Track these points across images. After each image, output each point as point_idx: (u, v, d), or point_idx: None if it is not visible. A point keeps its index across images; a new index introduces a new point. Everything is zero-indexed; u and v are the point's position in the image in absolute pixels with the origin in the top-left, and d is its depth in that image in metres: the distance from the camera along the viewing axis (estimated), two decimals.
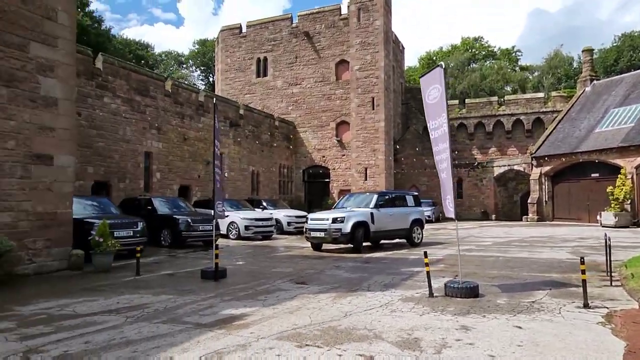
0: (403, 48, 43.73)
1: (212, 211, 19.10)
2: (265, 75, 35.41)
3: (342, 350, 4.65)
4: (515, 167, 33.98)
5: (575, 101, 32.88)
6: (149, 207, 15.70)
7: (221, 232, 18.65)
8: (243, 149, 27.77)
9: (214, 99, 15.88)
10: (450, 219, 31.03)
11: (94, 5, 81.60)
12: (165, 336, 5.24)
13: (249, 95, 35.45)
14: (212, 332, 5.36)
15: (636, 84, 29.23)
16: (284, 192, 32.64)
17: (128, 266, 10.85)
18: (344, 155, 32.86)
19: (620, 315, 5.91)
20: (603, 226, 23.10)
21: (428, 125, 8.32)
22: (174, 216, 15.24)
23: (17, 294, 7.74)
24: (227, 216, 16.75)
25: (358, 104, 31.62)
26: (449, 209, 7.77)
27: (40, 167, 9.81)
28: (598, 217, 24.88)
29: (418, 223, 15.51)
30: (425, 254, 7.73)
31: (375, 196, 14.56)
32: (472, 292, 7.13)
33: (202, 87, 48.39)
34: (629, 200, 24.22)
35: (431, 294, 7.21)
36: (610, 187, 24.46)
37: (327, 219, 13.37)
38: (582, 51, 35.48)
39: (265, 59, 35.38)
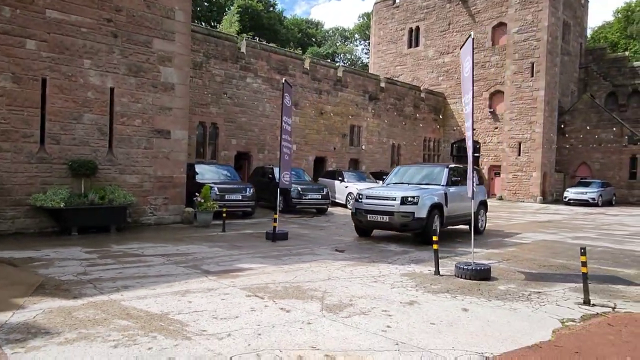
0: (586, 1, 37.63)
1: (332, 182, 20.39)
2: (416, 45, 34.76)
3: (273, 302, 5.33)
4: None
5: None
6: (270, 176, 17.72)
7: (340, 201, 19.93)
8: (382, 121, 28.24)
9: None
10: (621, 204, 26.52)
11: None
12: (171, 276, 6.62)
13: (399, 67, 35.37)
14: (204, 278, 6.54)
15: None
16: None
17: (231, 224, 12.88)
18: (496, 128, 30.59)
19: (611, 318, 5.13)
20: None
21: (462, 99, 7.92)
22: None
23: (126, 237, 10.18)
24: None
25: (514, 71, 28.90)
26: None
27: (160, 140, 12.29)
28: None
29: (483, 205, 12.88)
30: (433, 231, 7.55)
31: (446, 170, 11.45)
32: (479, 274, 6.85)
33: (367, 60, 49.69)
34: None
35: (437, 272, 7.13)
36: None
37: (394, 198, 10.16)
38: None
39: (417, 28, 34.65)
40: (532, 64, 28.16)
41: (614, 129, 29.81)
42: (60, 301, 5.24)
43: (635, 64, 34.24)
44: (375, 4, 37.45)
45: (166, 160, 12.42)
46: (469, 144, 7.49)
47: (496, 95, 30.68)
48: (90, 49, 10.95)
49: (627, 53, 37.28)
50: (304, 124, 23.81)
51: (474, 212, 11.36)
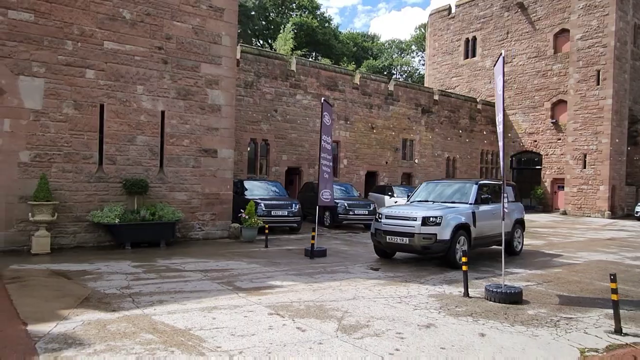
0: None
1: (382, 197, 20.31)
2: (473, 55, 33.99)
3: (292, 321, 5.49)
4: None
5: None
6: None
7: None
8: (436, 135, 27.77)
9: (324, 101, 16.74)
10: None
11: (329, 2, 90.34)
12: (204, 292, 6.98)
13: (455, 79, 34.69)
14: (234, 295, 6.83)
15: None
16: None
17: (275, 240, 13.26)
18: (559, 139, 29.12)
19: (635, 352, 4.80)
20: None
21: (496, 118, 7.74)
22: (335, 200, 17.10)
23: (173, 251, 10.77)
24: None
25: (578, 80, 27.45)
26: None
27: (207, 158, 12.92)
28: None
29: (519, 225, 11.82)
30: (464, 252, 7.37)
31: (475, 187, 10.53)
32: (509, 297, 6.62)
33: (424, 72, 49.17)
34: None
35: (466, 294, 6.97)
36: None
37: (415, 219, 9.35)
38: None
39: (474, 38, 33.89)
40: (598, 71, 26.64)
41: None
42: (99, 314, 5.70)
43: None
44: (431, 15, 37.12)
45: (213, 178, 13.02)
46: (502, 165, 7.28)
47: (559, 105, 29.27)
48: (143, 76, 11.80)
49: None
50: (354, 139, 23.97)
51: (509, 232, 11.06)
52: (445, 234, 9.19)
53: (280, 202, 15.06)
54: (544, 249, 13.02)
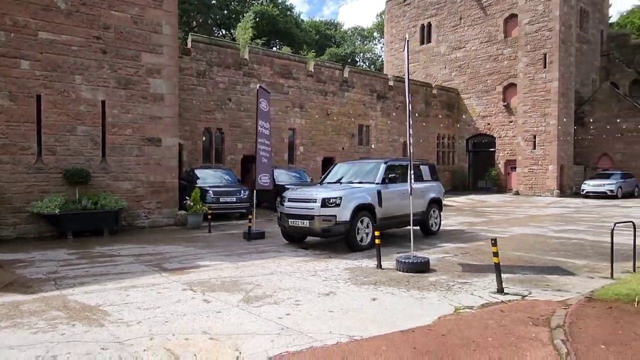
0: None
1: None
2: (429, 41, 34.62)
3: (202, 295, 5.83)
4: None
5: None
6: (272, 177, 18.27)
7: None
8: (393, 120, 28.34)
9: (261, 86, 16.99)
10: (635, 196, 25.52)
11: None
12: (129, 273, 7.23)
13: (412, 65, 35.23)
14: (157, 275, 7.12)
15: None
16: (445, 163, 31.98)
17: (223, 225, 13.56)
18: (511, 121, 30.12)
19: (509, 305, 5.34)
20: None
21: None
22: (285, 185, 17.44)
23: (116, 239, 10.93)
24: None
25: (526, 63, 28.38)
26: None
27: (151, 147, 13.04)
28: None
29: (436, 204, 11.59)
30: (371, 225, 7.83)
31: (383, 167, 10.23)
32: (417, 267, 7.12)
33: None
34: None
35: (379, 266, 7.44)
36: None
37: (315, 200, 9.03)
38: None
39: (429, 24, 34.49)
40: (545, 55, 27.60)
41: (637, 118, 28.77)
42: (16, 296, 5.91)
43: None
44: (387, 2, 37.53)
45: (158, 166, 13.17)
46: (410, 141, 7.73)
47: (510, 89, 30.23)
48: (81, 66, 11.81)
49: None
50: (310, 126, 24.29)
51: (424, 212, 11.12)
52: (344, 215, 8.90)
53: (230, 189, 15.33)
54: (480, 225, 13.71)
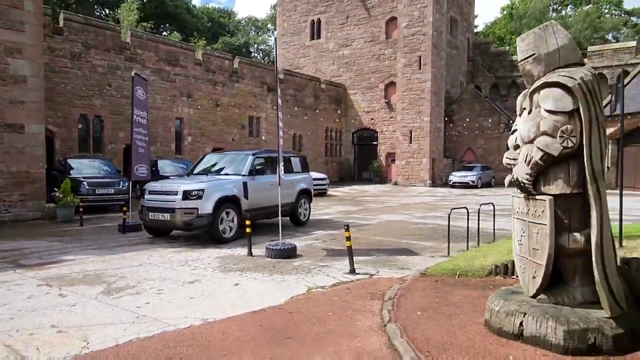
0: None
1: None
2: (318, 37, 35.71)
3: (58, 290, 5.69)
4: None
5: None
6: (153, 168, 17.70)
7: None
8: (282, 112, 28.80)
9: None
10: (499, 185, 29.39)
11: None
12: None
13: (303, 59, 36.16)
14: (11, 272, 6.73)
15: None
16: (332, 155, 33.39)
17: (98, 218, 12.94)
18: (391, 117, 32.37)
19: (355, 284, 6.05)
20: None
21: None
22: (170, 177, 17.03)
23: None
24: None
25: (404, 64, 30.65)
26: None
27: (12, 134, 11.99)
28: None
29: (306, 195, 11.86)
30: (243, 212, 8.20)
31: (250, 158, 10.25)
32: (284, 253, 7.60)
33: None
34: None
35: (250, 254, 7.82)
36: None
37: (176, 193, 8.82)
38: None
39: (319, 20, 35.57)
40: (420, 57, 30.03)
41: (494, 117, 32.60)
42: None
43: (515, 57, 37.44)
44: None
45: (21, 155, 12.16)
46: (280, 125, 8.19)
47: (391, 87, 32.42)
48: None
49: (508, 47, 40.65)
50: (198, 116, 23.87)
51: (293, 203, 11.37)
52: (207, 207, 8.76)
53: (107, 180, 14.62)
54: (356, 214, 14.75)
